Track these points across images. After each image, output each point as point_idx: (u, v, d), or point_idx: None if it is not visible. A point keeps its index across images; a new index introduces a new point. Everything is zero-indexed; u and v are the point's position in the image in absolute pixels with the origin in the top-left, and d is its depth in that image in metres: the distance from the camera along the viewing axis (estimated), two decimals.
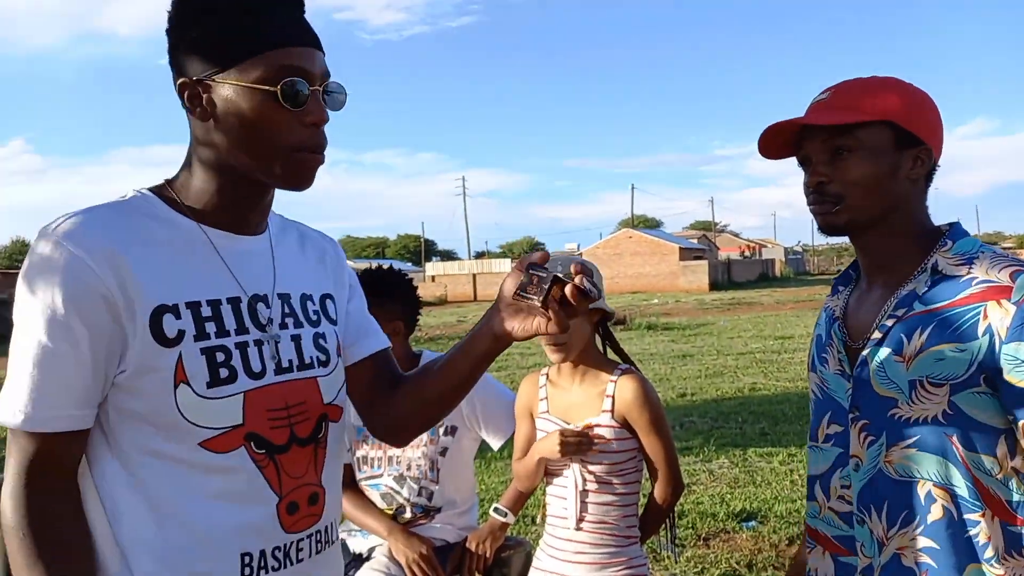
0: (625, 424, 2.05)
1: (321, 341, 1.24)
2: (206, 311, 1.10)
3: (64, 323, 1.02)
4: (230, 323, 1.12)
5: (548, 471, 2.13)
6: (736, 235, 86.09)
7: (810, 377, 1.50)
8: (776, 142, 1.40)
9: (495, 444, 2.50)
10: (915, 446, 1.25)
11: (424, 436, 2.41)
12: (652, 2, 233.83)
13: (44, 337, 1.02)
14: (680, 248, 44.57)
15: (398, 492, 2.42)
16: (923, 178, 1.35)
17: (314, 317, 1.24)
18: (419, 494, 2.41)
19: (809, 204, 1.37)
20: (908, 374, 1.25)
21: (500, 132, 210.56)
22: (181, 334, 1.07)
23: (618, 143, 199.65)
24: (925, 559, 1.25)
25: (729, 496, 5.03)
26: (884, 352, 1.29)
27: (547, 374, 2.22)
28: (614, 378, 2.08)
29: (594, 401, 2.08)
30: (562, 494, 2.09)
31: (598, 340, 2.20)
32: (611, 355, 2.23)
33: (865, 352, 1.32)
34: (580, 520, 2.05)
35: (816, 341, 1.49)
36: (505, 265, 50.61)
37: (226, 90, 1.07)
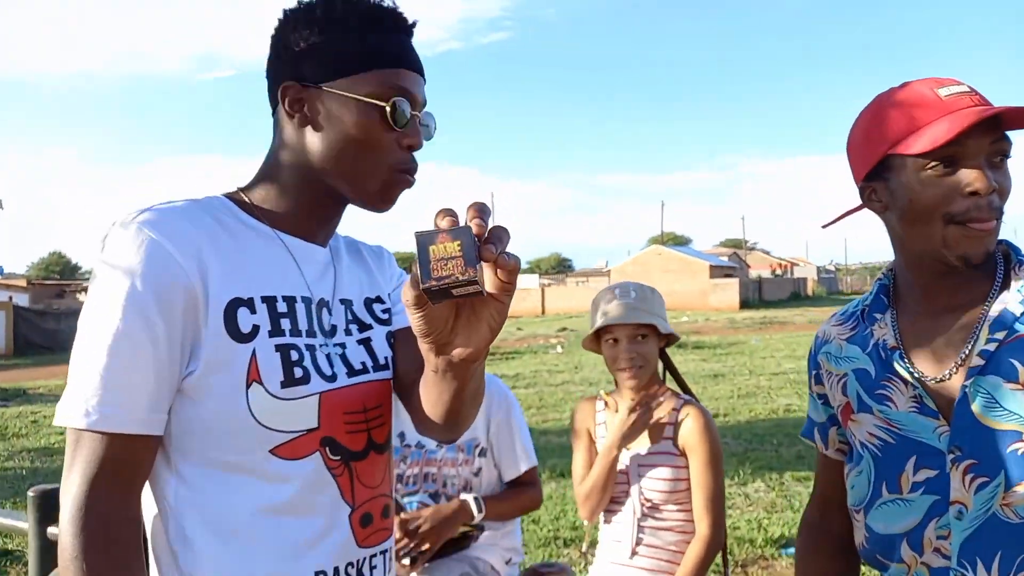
0: (683, 454, 2.06)
1: (393, 340, 1.20)
2: (282, 307, 1.06)
3: (145, 316, 0.95)
4: (303, 323, 1.08)
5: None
6: (767, 253, 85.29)
7: (862, 420, 1.28)
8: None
9: (506, 474, 2.38)
10: None
11: (460, 455, 2.37)
12: (686, 20, 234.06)
13: (122, 327, 0.95)
14: (710, 265, 44.18)
15: None
16: None
17: (383, 316, 1.21)
18: None
19: (969, 218, 1.13)
20: None
21: (532, 147, 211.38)
22: (256, 329, 1.02)
23: (650, 159, 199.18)
24: None
25: (766, 521, 4.90)
26: (992, 381, 1.14)
27: (604, 399, 2.20)
28: (678, 406, 2.10)
29: (656, 427, 2.10)
30: (619, 519, 2.10)
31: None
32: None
33: (967, 383, 1.15)
34: (636, 545, 2.06)
35: (861, 377, 1.28)
36: (532, 280, 50.53)
37: (333, 99, 1.06)
